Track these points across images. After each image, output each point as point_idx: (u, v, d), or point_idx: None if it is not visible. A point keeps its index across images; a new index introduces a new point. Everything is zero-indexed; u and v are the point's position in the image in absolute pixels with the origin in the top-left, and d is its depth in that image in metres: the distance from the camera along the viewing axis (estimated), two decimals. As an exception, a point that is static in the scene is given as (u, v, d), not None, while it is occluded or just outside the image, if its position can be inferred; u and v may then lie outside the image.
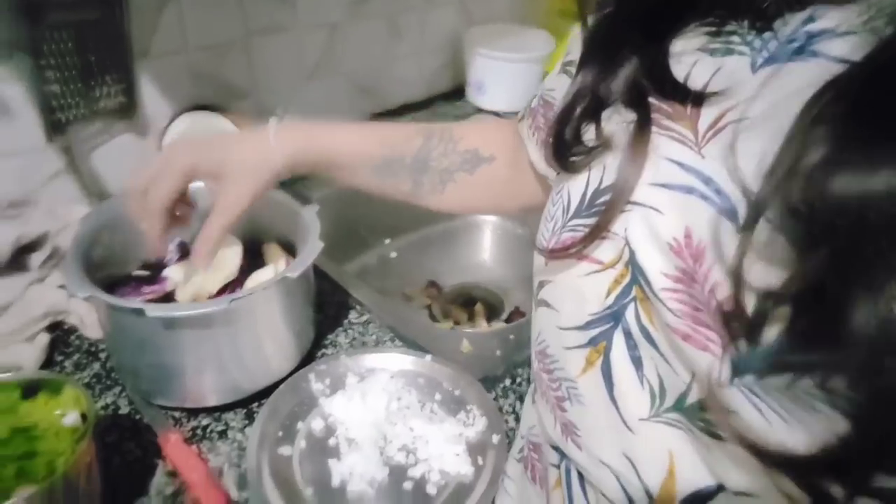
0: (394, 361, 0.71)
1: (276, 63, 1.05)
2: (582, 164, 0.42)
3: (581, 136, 0.42)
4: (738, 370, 0.30)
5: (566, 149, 0.43)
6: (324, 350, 0.75)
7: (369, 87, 1.22)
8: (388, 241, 1.20)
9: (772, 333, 0.28)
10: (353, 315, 0.80)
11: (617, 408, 0.39)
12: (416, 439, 0.64)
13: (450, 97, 1.33)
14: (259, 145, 0.61)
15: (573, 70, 0.48)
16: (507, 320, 1.10)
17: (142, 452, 0.62)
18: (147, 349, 0.61)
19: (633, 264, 0.36)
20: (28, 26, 0.78)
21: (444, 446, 0.63)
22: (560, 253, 0.41)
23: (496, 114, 1.28)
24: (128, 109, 0.91)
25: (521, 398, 0.70)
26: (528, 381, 0.72)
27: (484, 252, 1.27)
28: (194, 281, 0.67)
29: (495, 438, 0.63)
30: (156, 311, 0.56)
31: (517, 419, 0.68)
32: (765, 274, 0.28)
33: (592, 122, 0.42)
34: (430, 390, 0.69)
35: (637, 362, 0.37)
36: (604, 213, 0.38)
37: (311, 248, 0.65)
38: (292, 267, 0.63)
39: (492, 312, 1.12)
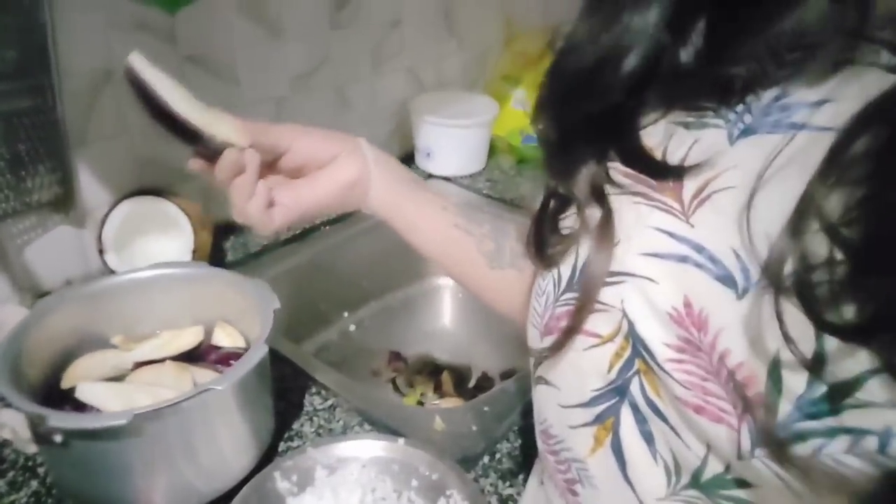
0: (365, 449, 0.66)
1: (220, 142, 1.02)
2: (561, 253, 0.42)
3: (559, 229, 0.43)
4: (761, 441, 0.29)
5: (545, 245, 0.43)
6: (288, 443, 0.70)
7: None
8: (346, 314, 1.16)
9: (791, 399, 0.27)
10: (317, 400, 0.75)
11: (632, 488, 0.37)
12: (396, 534, 0.59)
13: (400, 164, 1.32)
14: (356, 155, 0.57)
15: None
16: (476, 387, 1.07)
17: (89, 581, 0.55)
18: (84, 460, 0.55)
19: (633, 336, 0.35)
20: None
21: (426, 538, 0.59)
22: (557, 328, 0.40)
23: (446, 178, 1.28)
24: (64, 200, 0.86)
25: (502, 477, 0.66)
26: (509, 457, 0.69)
27: (445, 318, 1.25)
28: None
29: (481, 525, 0.59)
30: (61, 421, 0.51)
31: (500, 501, 0.64)
32: (776, 341, 0.28)
33: (566, 216, 0.43)
34: (406, 477, 0.64)
35: (648, 437, 0.36)
36: (576, 309, 0.39)
37: (251, 356, 0.60)
38: (222, 378, 0.57)
39: (459, 380, 1.08)
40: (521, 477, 0.66)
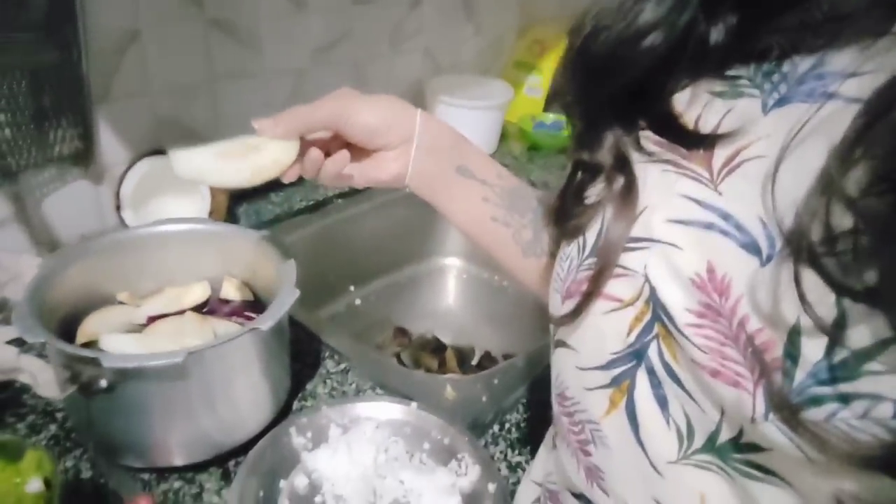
0: (378, 410, 0.68)
1: (240, 108, 1.02)
2: (585, 222, 0.42)
3: (584, 200, 0.44)
4: (775, 405, 0.29)
5: (570, 216, 0.44)
6: (302, 402, 0.71)
7: (332, 133, 1.20)
8: (352, 287, 1.17)
9: (807, 365, 0.28)
10: (330, 364, 0.76)
11: (644, 450, 0.38)
12: (408, 492, 0.60)
13: (412, 144, 1.33)
14: (409, 119, 0.57)
15: None
16: (479, 366, 1.08)
17: (108, 522, 0.56)
18: (110, 403, 0.56)
19: (654, 301, 0.36)
20: (-20, 66, 0.74)
21: (437, 498, 0.60)
22: (579, 291, 0.41)
23: (459, 160, 1.28)
24: (84, 155, 0.87)
25: (511, 445, 0.68)
26: (518, 428, 0.70)
27: (449, 297, 1.26)
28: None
29: (491, 487, 0.60)
30: (114, 361, 0.52)
31: (510, 467, 0.65)
32: (796, 307, 0.28)
33: (592, 187, 0.43)
34: (418, 440, 0.66)
35: (662, 401, 0.36)
36: (595, 274, 0.39)
37: (286, 296, 0.61)
38: (265, 317, 0.59)
39: (462, 359, 1.09)
40: (529, 447, 0.67)
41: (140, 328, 0.66)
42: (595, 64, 0.40)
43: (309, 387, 0.73)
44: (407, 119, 0.57)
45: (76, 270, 0.64)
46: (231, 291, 0.71)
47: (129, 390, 0.54)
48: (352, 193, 1.13)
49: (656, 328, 0.36)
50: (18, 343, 0.71)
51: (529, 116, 1.39)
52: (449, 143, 0.59)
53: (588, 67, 0.41)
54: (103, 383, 0.52)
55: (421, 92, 1.30)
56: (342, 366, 0.76)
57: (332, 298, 1.13)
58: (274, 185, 1.11)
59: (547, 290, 0.62)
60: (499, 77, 1.41)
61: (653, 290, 0.36)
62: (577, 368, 0.42)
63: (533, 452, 0.63)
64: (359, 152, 0.58)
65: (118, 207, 0.86)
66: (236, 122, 1.03)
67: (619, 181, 0.40)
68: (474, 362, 1.08)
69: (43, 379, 0.68)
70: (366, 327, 1.13)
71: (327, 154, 0.57)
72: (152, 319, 0.66)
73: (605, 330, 0.39)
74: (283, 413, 0.68)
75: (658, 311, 0.35)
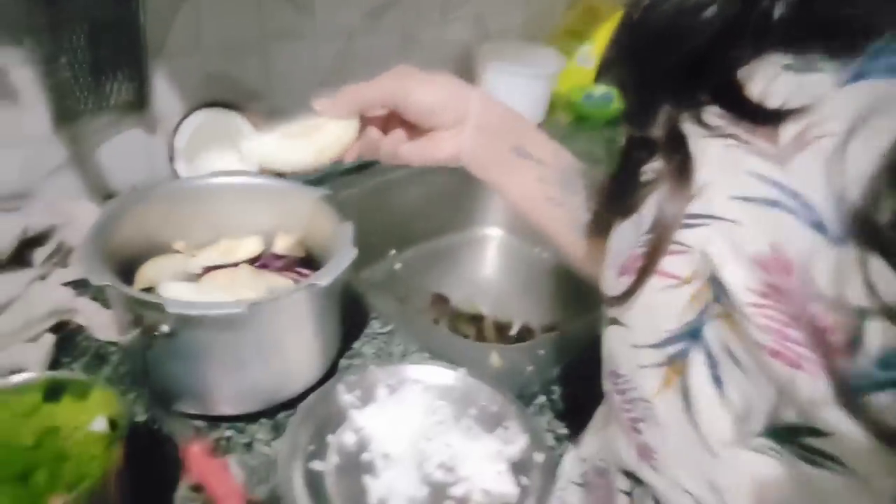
0: (426, 374, 0.68)
1: (290, 67, 1.02)
2: (642, 199, 0.41)
3: (639, 178, 0.42)
4: (836, 389, 0.28)
5: (625, 195, 0.43)
6: (350, 360, 0.71)
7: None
8: (393, 251, 1.17)
9: (871, 350, 0.27)
10: (376, 325, 0.76)
11: (698, 430, 0.37)
12: (454, 456, 0.61)
13: (458, 111, 1.31)
14: (464, 98, 0.57)
15: None
16: (518, 338, 1.08)
17: (163, 464, 0.57)
18: (168, 349, 0.57)
19: (714, 279, 0.35)
20: (44, 14, 0.74)
21: (484, 464, 0.60)
22: (631, 268, 0.40)
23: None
24: (138, 105, 0.87)
25: (559, 416, 0.67)
26: (565, 400, 0.70)
27: (489, 267, 1.25)
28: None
29: (539, 457, 0.60)
30: (179, 307, 0.52)
31: (557, 439, 0.65)
32: (861, 290, 0.27)
33: (647, 162, 0.42)
34: (465, 405, 0.66)
35: (718, 382, 0.35)
36: (651, 250, 0.38)
37: (344, 254, 0.61)
38: (323, 273, 0.58)
39: (500, 329, 1.09)
40: (576, 421, 0.66)
41: (195, 278, 0.66)
42: (653, 35, 0.38)
43: (356, 346, 0.73)
44: (463, 98, 0.57)
45: (135, 217, 0.65)
46: (284, 247, 0.71)
47: (189, 337, 0.55)
48: (398, 157, 1.12)
49: (715, 307, 0.35)
50: (73, 286, 0.72)
51: (580, 87, 1.36)
52: (505, 124, 0.59)
53: (645, 39, 0.39)
54: (165, 328, 0.53)
55: (470, 58, 1.28)
56: (388, 328, 0.76)
57: (374, 261, 1.13)
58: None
59: (598, 269, 0.61)
60: (549, 46, 1.38)
61: (713, 268, 0.35)
62: (631, 346, 0.41)
63: (579, 426, 0.62)
64: (415, 131, 0.58)
65: (171, 158, 0.86)
66: (286, 81, 1.02)
67: (676, 157, 0.39)
68: (512, 333, 1.08)
69: (97, 321, 0.69)
70: (405, 292, 1.13)
71: (384, 133, 0.58)
72: (208, 270, 0.66)
73: (660, 308, 0.38)
74: (331, 371, 0.68)
75: (718, 290, 0.34)
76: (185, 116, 0.87)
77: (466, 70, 1.30)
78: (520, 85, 1.23)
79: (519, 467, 0.60)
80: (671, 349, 0.38)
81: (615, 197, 0.45)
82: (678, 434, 0.38)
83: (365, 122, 0.57)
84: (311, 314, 0.61)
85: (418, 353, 0.74)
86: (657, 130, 0.40)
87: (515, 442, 0.62)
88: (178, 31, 0.87)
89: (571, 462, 0.58)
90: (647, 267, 0.39)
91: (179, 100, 0.90)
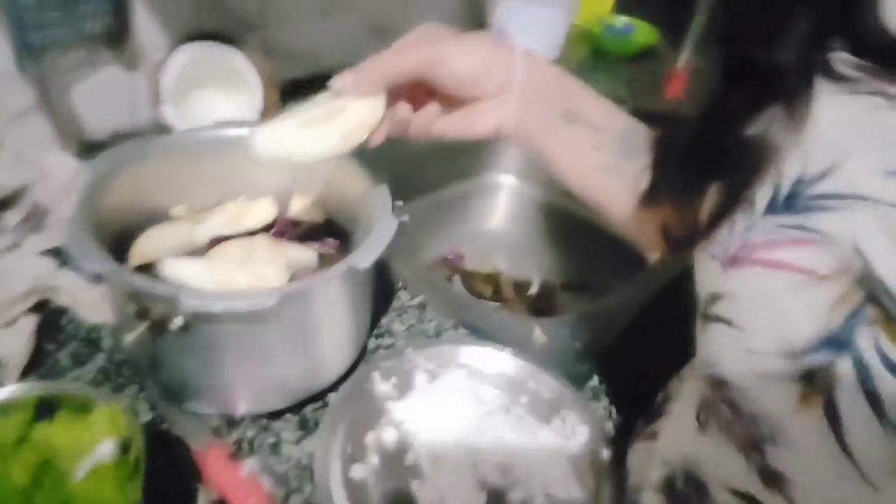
0: (467, 356, 0.60)
1: (288, -9, 0.89)
2: (749, 168, 0.34)
3: (740, 137, 0.35)
4: None
5: (719, 159, 0.36)
6: (379, 340, 0.63)
7: (383, 25, 1.07)
8: (400, 202, 1.07)
9: None
10: (404, 297, 0.68)
11: (852, 459, 0.31)
12: (511, 456, 0.53)
13: (466, 43, 1.19)
14: (507, 62, 0.49)
15: None
16: (537, 297, 1.00)
17: (174, 472, 0.49)
18: (181, 343, 0.48)
19: (866, 275, 0.29)
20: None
21: (544, 463, 0.53)
22: (749, 259, 0.33)
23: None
24: (116, 35, 0.74)
25: (616, 403, 0.60)
26: (623, 383, 0.63)
27: (502, 217, 1.16)
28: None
29: (605, 454, 0.53)
30: (198, 301, 0.43)
31: (617, 429, 0.58)
32: None
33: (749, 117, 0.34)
34: (515, 392, 0.58)
35: (876, 400, 0.29)
36: (774, 238, 0.32)
37: (384, 227, 0.52)
38: (362, 252, 0.49)
39: (519, 288, 1.01)
40: (640, 408, 0.60)
41: (202, 250, 0.57)
42: None
43: (384, 322, 0.65)
44: (506, 62, 0.49)
45: (126, 180, 0.54)
46: (301, 211, 0.61)
47: (207, 332, 0.46)
48: (406, 97, 1.02)
49: (869, 310, 0.29)
50: (53, 256, 0.62)
51: (600, 18, 1.24)
52: (554, 86, 0.51)
53: None
54: (178, 322, 0.43)
55: (481, -16, 1.16)
56: (417, 299, 0.68)
57: (380, 213, 1.04)
58: (322, 84, 0.99)
59: (664, 244, 0.53)
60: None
61: (865, 262, 0.29)
62: (747, 351, 0.34)
63: (639, 410, 0.55)
64: (449, 101, 0.50)
65: (156, 100, 0.75)
66: (286, 8, 0.89)
67: (799, 110, 0.31)
68: (532, 292, 1.00)
69: (85, 299, 0.59)
70: (414, 246, 1.05)
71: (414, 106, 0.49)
72: (215, 241, 0.57)
73: (789, 309, 0.32)
74: (360, 354, 0.60)
75: (873, 289, 0.28)
76: (172, 51, 0.75)
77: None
78: (536, 16, 1.12)
79: (583, 467, 0.53)
80: (810, 360, 0.31)
81: (706, 159, 0.37)
82: (824, 463, 0.32)
83: (391, 95, 0.48)
84: (345, 299, 0.52)
85: (454, 329, 0.66)
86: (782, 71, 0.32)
87: (575, 435, 0.55)
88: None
89: (646, 460, 0.51)
90: (769, 258, 0.32)
91: (165, 30, 0.78)
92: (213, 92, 0.78)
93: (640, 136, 0.50)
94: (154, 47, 0.77)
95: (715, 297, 0.36)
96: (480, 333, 0.65)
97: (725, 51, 0.36)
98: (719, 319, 0.36)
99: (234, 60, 0.76)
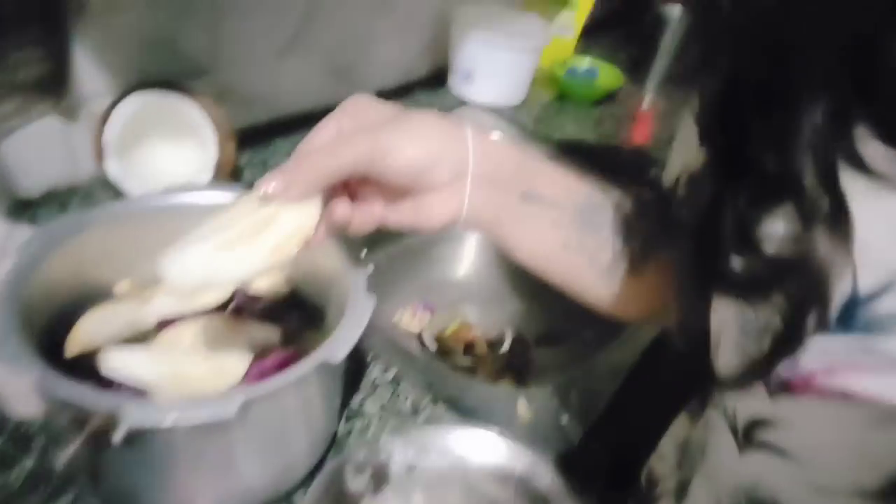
0: (449, 440, 0.54)
1: (243, 33, 0.83)
2: (770, 277, 0.30)
3: (755, 243, 0.30)
4: None
5: (728, 267, 0.31)
6: (350, 423, 0.57)
7: (344, 67, 1.02)
8: (364, 251, 1.02)
9: None
10: (376, 371, 0.62)
11: None
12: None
13: (429, 84, 1.15)
14: (460, 146, 0.42)
15: None
16: (511, 352, 0.96)
17: None
18: (127, 458, 0.41)
19: None
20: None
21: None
22: (807, 387, 0.28)
23: (485, 108, 1.12)
24: (53, 84, 0.67)
25: (615, 486, 0.56)
26: (610, 454, 0.58)
27: (471, 266, 1.12)
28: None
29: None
30: (144, 416, 0.36)
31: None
32: None
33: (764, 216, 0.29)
34: (504, 483, 0.53)
35: None
36: (829, 367, 0.27)
37: (360, 310, 0.46)
38: (335, 343, 0.43)
39: (492, 346, 0.96)
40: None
41: (151, 333, 0.50)
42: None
43: (355, 401, 0.59)
44: (458, 146, 0.42)
45: (62, 257, 0.47)
46: (262, 283, 0.55)
47: (155, 443, 0.39)
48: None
49: None
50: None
51: (561, 61, 1.22)
52: (509, 167, 0.45)
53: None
54: (120, 435, 0.37)
55: (442, 24, 1.12)
56: (390, 373, 0.62)
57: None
58: (280, 130, 0.94)
59: (625, 313, 0.49)
60: (522, 9, 1.22)
61: None
62: (808, 486, 0.30)
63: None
64: (395, 191, 0.42)
65: (99, 154, 0.68)
66: (239, 50, 0.84)
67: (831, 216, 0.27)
68: (504, 350, 0.96)
69: (12, 391, 0.51)
70: (381, 298, 0.99)
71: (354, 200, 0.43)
72: (164, 324, 0.50)
73: (871, 447, 0.27)
74: (330, 443, 0.54)
75: None
76: (117, 101, 0.68)
77: (438, 38, 1.14)
78: (506, 59, 1.09)
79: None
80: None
81: (708, 266, 0.32)
82: None
83: (327, 191, 0.41)
84: (315, 393, 0.46)
85: (432, 404, 0.60)
86: (797, 163, 0.27)
87: (571, 531, 0.50)
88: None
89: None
90: (827, 388, 0.27)
91: (108, 77, 0.71)
92: (163, 144, 0.72)
93: (602, 208, 0.46)
94: (96, 95, 0.71)
95: (761, 424, 0.31)
96: (460, 408, 0.60)
97: (721, 152, 0.32)
98: (770, 448, 0.32)
99: (186, 109, 0.70)
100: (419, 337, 0.95)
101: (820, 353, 0.28)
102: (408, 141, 0.40)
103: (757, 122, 0.29)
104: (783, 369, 0.29)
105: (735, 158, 0.30)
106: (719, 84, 0.31)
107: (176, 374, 0.44)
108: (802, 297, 0.28)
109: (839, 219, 0.27)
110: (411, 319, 0.97)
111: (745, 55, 0.29)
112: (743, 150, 0.30)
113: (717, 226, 0.31)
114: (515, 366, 0.93)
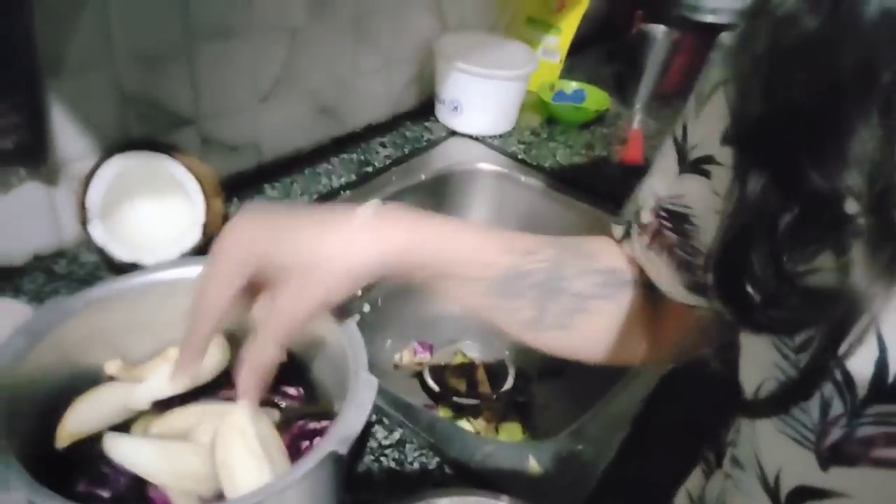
0: (460, 509, 0.53)
1: (223, 77, 0.81)
2: (809, 316, 0.28)
3: (786, 272, 0.28)
4: None
5: (752, 298, 0.29)
6: (356, 495, 0.55)
7: (330, 107, 1.00)
8: (359, 292, 1.00)
9: None
10: (381, 433, 0.60)
11: None
12: None
13: (417, 117, 1.14)
14: (350, 237, 0.42)
15: (711, 170, 0.38)
16: (514, 389, 0.94)
17: None
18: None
19: None
20: None
21: None
22: (864, 457, 0.27)
23: (473, 138, 1.11)
24: (33, 150, 0.65)
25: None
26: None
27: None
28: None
29: None
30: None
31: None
32: None
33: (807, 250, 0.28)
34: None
35: None
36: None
37: (362, 393, 0.44)
38: (341, 431, 0.41)
39: (493, 380, 0.95)
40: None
41: (147, 417, 0.48)
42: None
43: (360, 470, 0.57)
44: (366, 268, 0.42)
45: (48, 345, 0.45)
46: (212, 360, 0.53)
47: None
48: (358, 183, 0.95)
49: None
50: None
51: (549, 85, 1.21)
52: (422, 258, 0.44)
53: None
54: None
55: (426, 55, 1.11)
56: (396, 434, 0.60)
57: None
58: (269, 175, 0.92)
59: (582, 354, 0.50)
60: (507, 35, 1.21)
61: None
62: None
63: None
64: None
65: (83, 220, 0.66)
66: (219, 96, 0.82)
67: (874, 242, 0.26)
68: (507, 386, 0.94)
69: None
70: (378, 339, 0.97)
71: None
72: (160, 406, 0.48)
73: None
74: (337, 517, 0.52)
75: None
76: (99, 163, 0.66)
77: (423, 69, 1.13)
78: (493, 87, 1.08)
79: None
80: None
81: (738, 299, 0.30)
82: None
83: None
84: (321, 480, 0.44)
85: (439, 469, 0.58)
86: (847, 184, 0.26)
87: None
88: (83, 38, 0.65)
89: None
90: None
91: (89, 140, 0.69)
92: (149, 204, 0.70)
93: (522, 279, 0.46)
94: (78, 157, 0.69)
95: (810, 493, 0.30)
96: (469, 472, 0.58)
97: (764, 173, 0.29)
98: (827, 495, 0.30)
99: (170, 169, 0.68)
100: (420, 377, 0.93)
101: (877, 420, 0.26)
102: (324, 291, 0.42)
103: (807, 148, 0.27)
104: (836, 435, 0.27)
105: (780, 186, 0.29)
106: (764, 110, 0.29)
107: (181, 475, 0.43)
108: (839, 326, 0.26)
109: (883, 246, 0.25)
110: (412, 360, 0.96)
111: (800, 84, 0.27)
112: (788, 178, 0.28)
113: (746, 261, 0.29)
114: (520, 405, 0.92)
